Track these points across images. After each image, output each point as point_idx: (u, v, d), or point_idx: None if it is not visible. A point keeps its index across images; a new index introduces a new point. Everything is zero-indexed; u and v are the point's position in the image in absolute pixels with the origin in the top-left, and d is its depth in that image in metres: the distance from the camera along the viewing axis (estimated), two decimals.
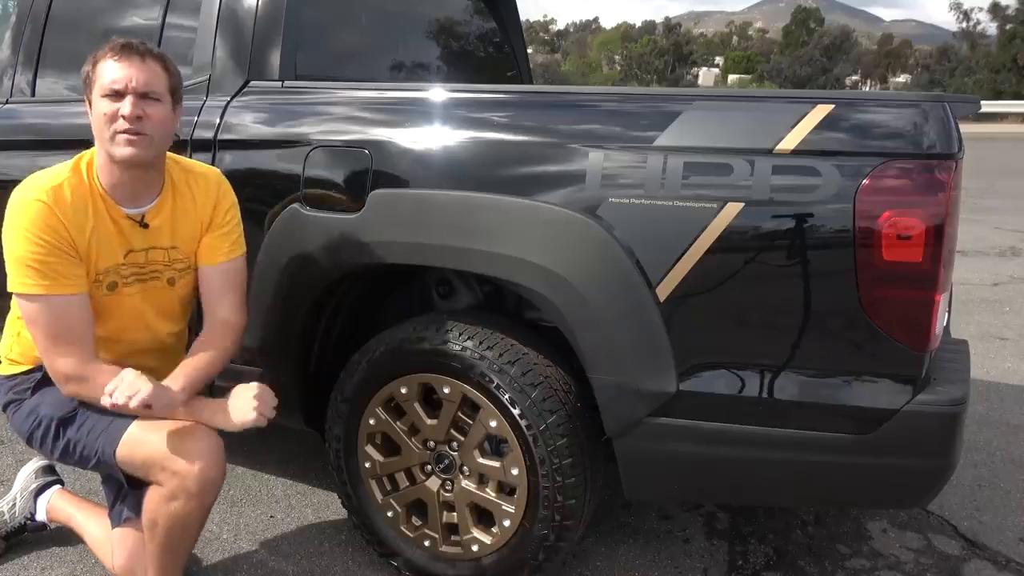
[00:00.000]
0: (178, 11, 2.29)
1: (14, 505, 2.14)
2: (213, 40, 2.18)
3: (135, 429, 1.68)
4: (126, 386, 1.54)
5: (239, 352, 1.87)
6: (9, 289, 1.67)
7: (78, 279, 1.67)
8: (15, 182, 1.95)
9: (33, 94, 2.52)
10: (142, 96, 1.63)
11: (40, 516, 2.12)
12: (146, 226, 1.76)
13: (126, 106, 1.62)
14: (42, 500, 2.13)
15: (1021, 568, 2.14)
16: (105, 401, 1.55)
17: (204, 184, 1.84)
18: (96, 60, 1.66)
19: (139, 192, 1.74)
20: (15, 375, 1.82)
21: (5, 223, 1.65)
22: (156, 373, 1.85)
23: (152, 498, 1.69)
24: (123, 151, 1.64)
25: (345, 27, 2.56)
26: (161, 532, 1.70)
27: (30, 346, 1.76)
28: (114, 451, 1.68)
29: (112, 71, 1.63)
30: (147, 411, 1.59)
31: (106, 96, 1.63)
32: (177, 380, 1.68)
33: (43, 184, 1.65)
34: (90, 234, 1.68)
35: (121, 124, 1.62)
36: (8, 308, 1.81)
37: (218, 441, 1.68)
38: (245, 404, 1.65)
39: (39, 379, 1.78)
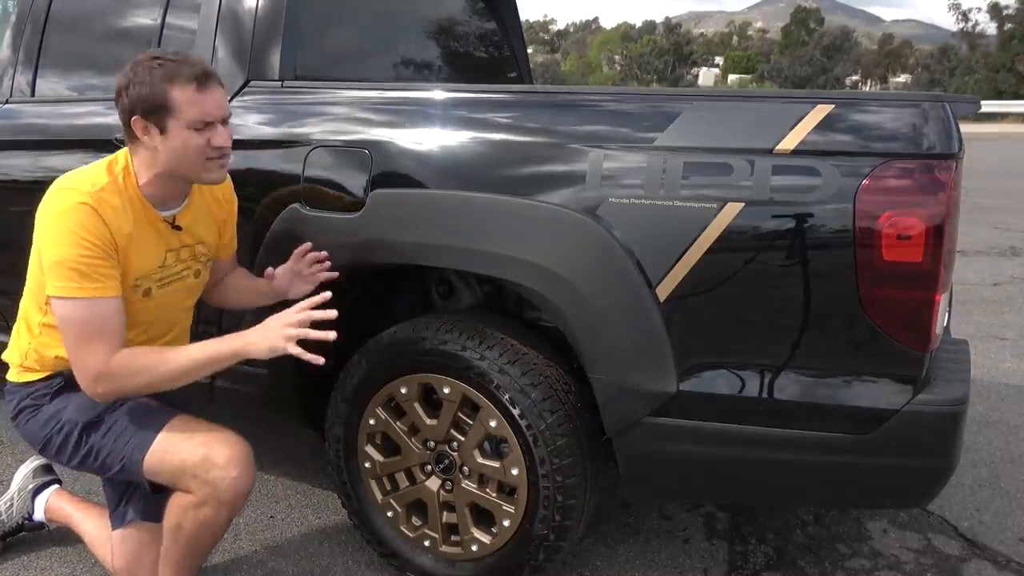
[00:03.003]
0: (178, 11, 2.29)
1: (12, 505, 2.14)
2: (213, 40, 2.17)
3: (166, 436, 1.66)
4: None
5: None
6: (48, 292, 1.62)
7: (118, 282, 1.64)
8: (15, 182, 1.96)
9: (33, 94, 2.52)
10: (225, 121, 1.67)
11: (38, 515, 2.13)
12: (179, 228, 1.77)
13: (221, 136, 1.65)
14: (40, 499, 2.13)
15: (1021, 568, 2.14)
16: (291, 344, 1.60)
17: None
18: (169, 87, 1.60)
19: (173, 197, 1.75)
20: (32, 382, 1.77)
21: (45, 226, 1.60)
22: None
23: (178, 503, 1.67)
24: (217, 175, 1.70)
25: (345, 27, 2.56)
26: (186, 536, 1.69)
27: (49, 353, 1.73)
28: (142, 458, 1.65)
29: (200, 103, 1.62)
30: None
31: (196, 128, 1.62)
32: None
33: (84, 187, 1.61)
34: (130, 239, 1.65)
35: (217, 152, 1.66)
36: (12, 314, 1.78)
37: (250, 450, 1.67)
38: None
39: (60, 385, 1.74)
